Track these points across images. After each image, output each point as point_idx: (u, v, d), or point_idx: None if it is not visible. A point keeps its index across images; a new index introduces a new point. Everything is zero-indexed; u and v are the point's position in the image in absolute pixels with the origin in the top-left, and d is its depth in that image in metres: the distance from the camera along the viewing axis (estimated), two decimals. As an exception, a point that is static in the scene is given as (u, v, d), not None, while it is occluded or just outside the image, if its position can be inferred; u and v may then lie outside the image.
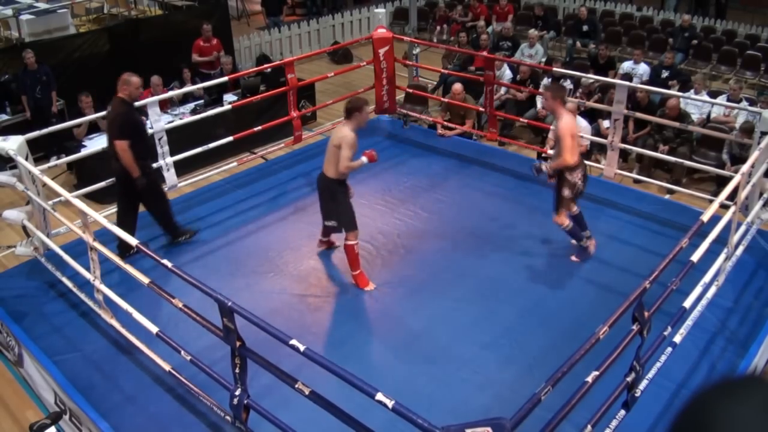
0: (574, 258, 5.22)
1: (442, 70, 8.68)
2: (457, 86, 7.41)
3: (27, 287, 5.07)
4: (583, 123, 6.81)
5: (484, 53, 8.12)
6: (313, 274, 5.19)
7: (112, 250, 4.16)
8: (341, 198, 4.78)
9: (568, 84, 8.48)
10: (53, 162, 6.07)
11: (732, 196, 4.39)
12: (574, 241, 5.26)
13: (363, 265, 5.17)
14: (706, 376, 4.06)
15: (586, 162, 6.55)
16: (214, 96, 8.12)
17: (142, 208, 5.29)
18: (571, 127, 4.73)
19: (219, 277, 4.88)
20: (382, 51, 7.41)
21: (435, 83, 9.71)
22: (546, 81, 8.63)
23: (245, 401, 3.41)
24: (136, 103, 6.18)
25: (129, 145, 4.85)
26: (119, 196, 5.22)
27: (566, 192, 4.90)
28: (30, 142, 5.08)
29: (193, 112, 7.72)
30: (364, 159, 4.74)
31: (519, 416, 2.56)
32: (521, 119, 7.73)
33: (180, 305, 3.55)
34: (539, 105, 8.51)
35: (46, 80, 8.00)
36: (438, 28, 12.49)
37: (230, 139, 6.49)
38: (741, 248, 4.95)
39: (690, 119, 7.33)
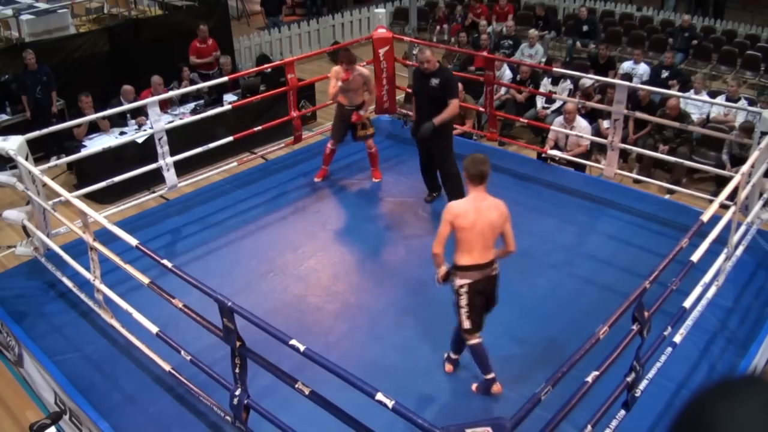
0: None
1: (442, 70, 8.67)
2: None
3: (27, 287, 5.06)
4: (583, 123, 6.82)
5: (484, 53, 8.12)
6: (313, 274, 5.18)
7: (111, 250, 4.16)
8: (334, 115, 6.30)
9: (567, 84, 8.49)
10: (53, 162, 6.06)
11: (732, 196, 4.39)
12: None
13: (363, 267, 5.16)
14: (706, 376, 4.06)
15: (588, 162, 6.63)
16: (214, 96, 8.13)
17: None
18: (452, 213, 3.64)
19: (219, 277, 4.88)
20: (382, 51, 7.40)
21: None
22: (545, 80, 8.64)
23: (245, 401, 3.41)
24: (137, 104, 6.23)
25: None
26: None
27: (455, 299, 3.78)
28: (30, 142, 5.08)
29: (193, 112, 7.73)
30: (336, 84, 5.89)
31: (519, 416, 2.56)
32: (521, 119, 7.73)
33: (180, 305, 3.55)
34: (539, 105, 8.52)
35: (47, 80, 8.00)
36: (438, 28, 12.48)
37: (230, 139, 6.48)
38: (741, 248, 4.95)
39: (690, 119, 7.34)
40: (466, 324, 3.74)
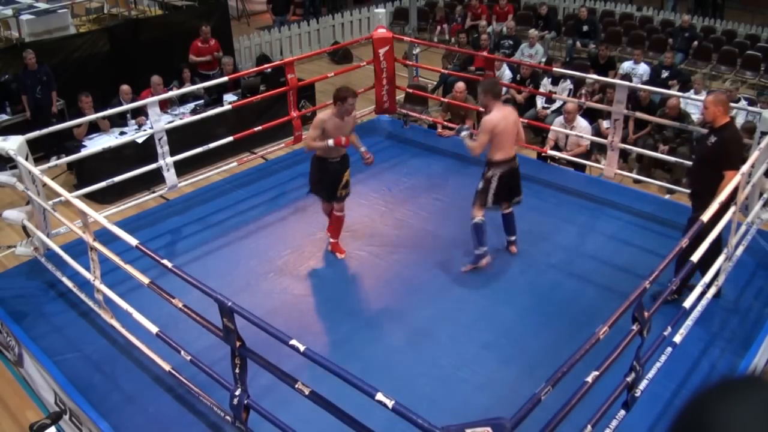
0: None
1: (442, 70, 8.67)
2: (460, 85, 7.41)
3: (27, 287, 5.07)
4: (583, 123, 6.81)
5: (484, 53, 8.11)
6: (313, 274, 5.19)
7: (111, 250, 4.16)
8: (312, 170, 5.14)
9: (567, 84, 8.49)
10: (53, 162, 6.06)
11: (732, 196, 4.38)
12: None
13: (363, 266, 5.16)
14: (706, 376, 4.06)
15: (588, 162, 6.63)
16: (214, 96, 8.12)
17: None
18: (492, 123, 4.69)
19: (219, 277, 4.88)
20: (382, 51, 7.40)
21: (435, 83, 9.71)
22: (545, 80, 8.65)
23: (245, 401, 3.41)
24: (137, 104, 6.22)
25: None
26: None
27: (479, 184, 4.95)
28: (30, 142, 5.08)
29: (193, 112, 7.72)
30: (330, 141, 4.80)
31: (519, 416, 2.56)
32: (521, 119, 7.71)
33: (180, 305, 3.55)
34: (539, 105, 8.52)
35: (47, 80, 8.00)
36: (438, 28, 12.48)
37: (230, 139, 6.48)
38: (741, 248, 4.95)
39: (690, 119, 7.33)
40: (483, 202, 4.89)
